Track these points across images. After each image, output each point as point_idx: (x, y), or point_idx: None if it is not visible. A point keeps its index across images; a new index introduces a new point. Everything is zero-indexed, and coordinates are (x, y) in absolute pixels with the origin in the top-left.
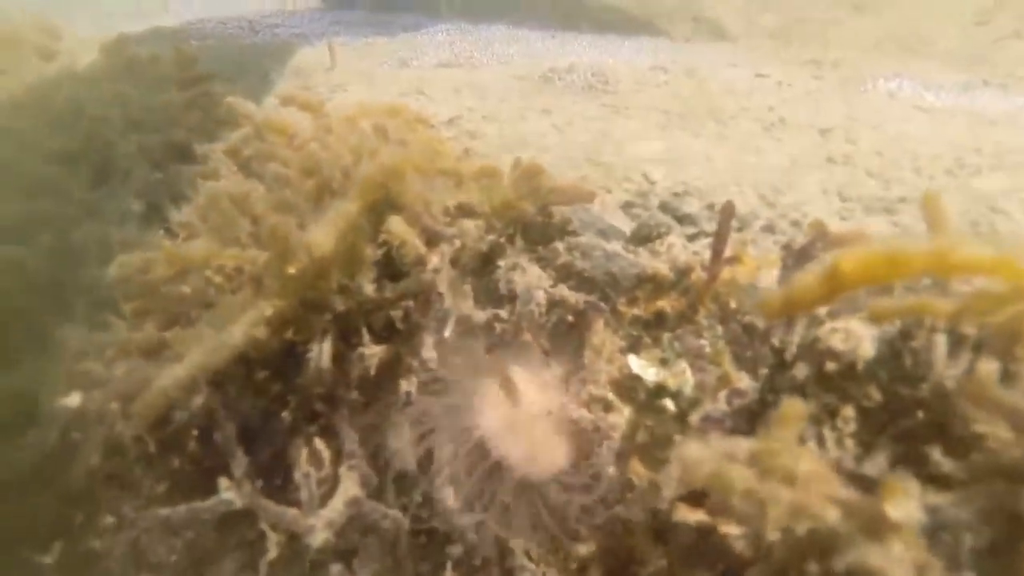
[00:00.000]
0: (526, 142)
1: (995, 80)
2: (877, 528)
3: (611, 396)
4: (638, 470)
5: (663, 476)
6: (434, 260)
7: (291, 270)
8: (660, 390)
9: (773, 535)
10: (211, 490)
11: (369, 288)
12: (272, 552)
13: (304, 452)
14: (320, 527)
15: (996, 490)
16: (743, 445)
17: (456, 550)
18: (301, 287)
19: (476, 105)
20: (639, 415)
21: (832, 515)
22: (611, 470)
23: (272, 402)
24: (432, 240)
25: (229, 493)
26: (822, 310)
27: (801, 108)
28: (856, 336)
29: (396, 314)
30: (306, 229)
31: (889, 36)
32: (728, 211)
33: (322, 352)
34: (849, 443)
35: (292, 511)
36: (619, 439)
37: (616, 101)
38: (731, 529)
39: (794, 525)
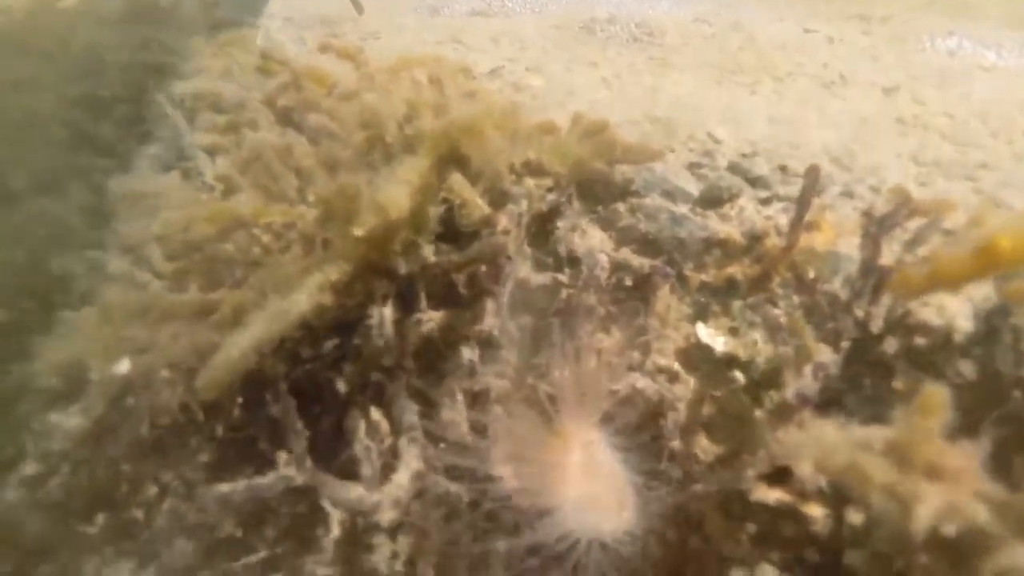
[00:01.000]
0: (576, 96)
1: None
2: None
3: (677, 366)
4: (703, 444)
5: (749, 456)
6: (503, 222)
7: (359, 231)
8: (730, 361)
9: (917, 535)
10: (256, 460)
11: (430, 250)
12: (335, 530)
13: (362, 423)
14: (387, 505)
15: None
16: (879, 433)
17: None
18: (368, 250)
19: (517, 55)
20: (706, 386)
21: (983, 514)
22: (676, 444)
23: (329, 370)
24: (497, 200)
25: (290, 468)
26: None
27: (859, 65)
28: (951, 310)
29: (459, 278)
30: (376, 187)
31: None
32: (813, 175)
33: (384, 319)
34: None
35: (356, 488)
36: (685, 411)
37: (664, 55)
38: (812, 510)
39: (943, 524)
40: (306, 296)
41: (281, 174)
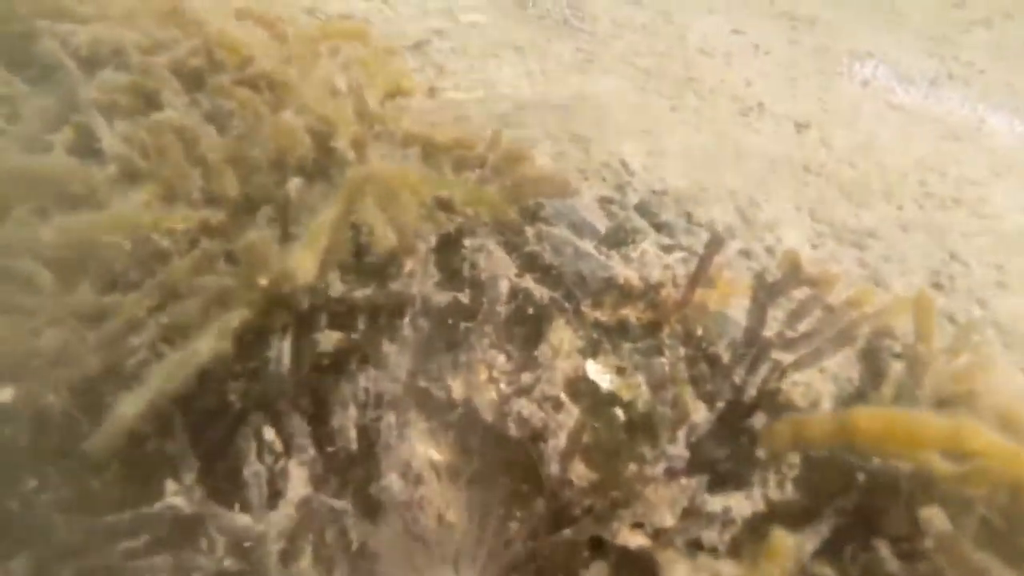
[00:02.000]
0: (499, 93)
1: (957, 71)
2: None
3: (563, 396)
4: (580, 471)
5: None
6: (409, 265)
7: (263, 282)
8: (613, 398)
9: None
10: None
11: (337, 284)
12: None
13: (253, 445)
14: (272, 535)
15: None
16: (730, 571)
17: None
18: (271, 296)
19: (445, 28)
20: (588, 418)
21: None
22: (554, 468)
23: (224, 395)
24: (405, 236)
25: (178, 498)
26: (785, 358)
27: (778, 89)
28: (816, 392)
29: (361, 313)
30: (285, 247)
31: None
32: (715, 245)
33: (282, 352)
34: (790, 488)
35: (242, 519)
36: (565, 439)
37: (593, 47)
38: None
39: None
40: (206, 346)
41: (185, 170)
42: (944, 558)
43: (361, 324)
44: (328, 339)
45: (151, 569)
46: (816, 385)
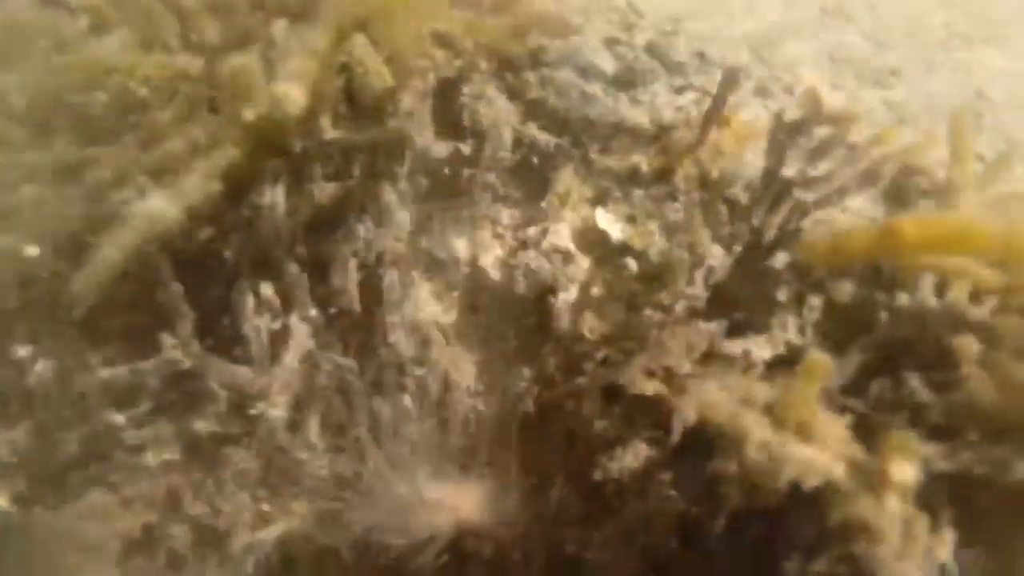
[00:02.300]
0: None
1: None
2: (879, 486)
3: (572, 248)
4: (592, 324)
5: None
6: (407, 101)
7: (250, 116)
8: (624, 248)
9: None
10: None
11: (328, 123)
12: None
13: (251, 300)
14: (275, 388)
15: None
16: (762, 391)
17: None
18: (260, 133)
19: None
20: (599, 270)
21: (840, 472)
22: (564, 323)
23: (217, 249)
24: (402, 73)
25: (175, 352)
26: (807, 197)
27: None
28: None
29: (357, 155)
30: (271, 68)
31: None
32: (731, 79)
33: (275, 200)
34: (810, 332)
35: (244, 371)
36: (576, 292)
37: None
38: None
39: (804, 479)
40: (192, 185)
41: (160, 16)
42: (981, 381)
43: (357, 171)
44: (324, 190)
45: (155, 435)
46: (839, 224)
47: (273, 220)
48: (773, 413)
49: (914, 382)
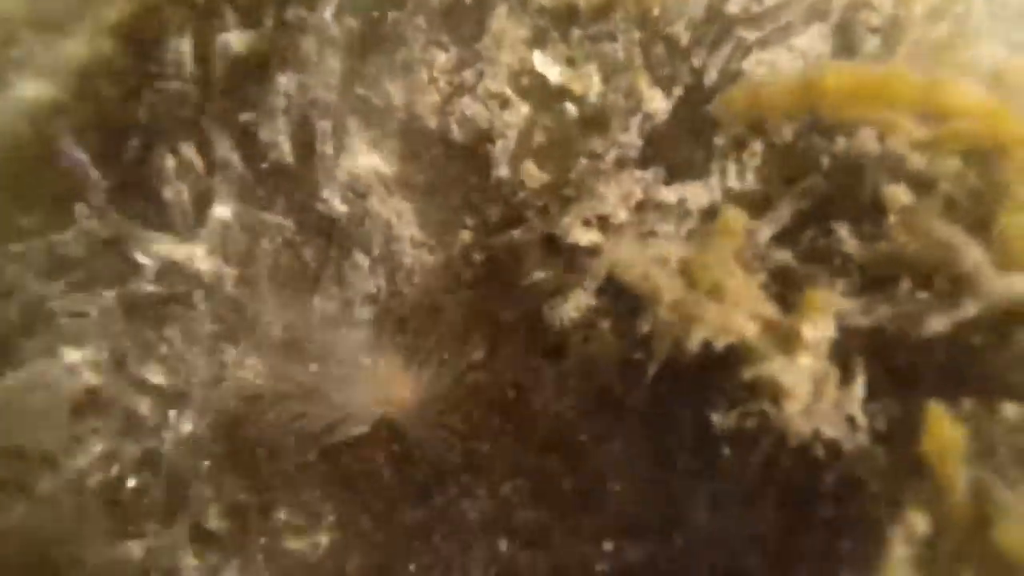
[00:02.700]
0: None
1: None
2: (790, 344)
3: (509, 92)
4: (532, 172)
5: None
6: None
7: None
8: (563, 92)
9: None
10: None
11: None
12: (150, 276)
13: (170, 163)
14: (201, 251)
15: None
16: (676, 251)
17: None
18: None
19: None
20: (537, 114)
21: (752, 331)
22: (503, 170)
23: (127, 112)
24: None
25: (91, 222)
26: (750, 36)
27: None
28: (783, 72)
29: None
30: None
31: None
32: None
33: (182, 54)
34: (751, 178)
35: (167, 239)
36: (514, 138)
37: None
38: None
39: (715, 339)
40: (79, 44)
41: None
42: (905, 232)
43: (270, 20)
44: (239, 40)
45: (95, 301)
46: (783, 64)
47: (181, 75)
48: (688, 272)
49: (843, 231)
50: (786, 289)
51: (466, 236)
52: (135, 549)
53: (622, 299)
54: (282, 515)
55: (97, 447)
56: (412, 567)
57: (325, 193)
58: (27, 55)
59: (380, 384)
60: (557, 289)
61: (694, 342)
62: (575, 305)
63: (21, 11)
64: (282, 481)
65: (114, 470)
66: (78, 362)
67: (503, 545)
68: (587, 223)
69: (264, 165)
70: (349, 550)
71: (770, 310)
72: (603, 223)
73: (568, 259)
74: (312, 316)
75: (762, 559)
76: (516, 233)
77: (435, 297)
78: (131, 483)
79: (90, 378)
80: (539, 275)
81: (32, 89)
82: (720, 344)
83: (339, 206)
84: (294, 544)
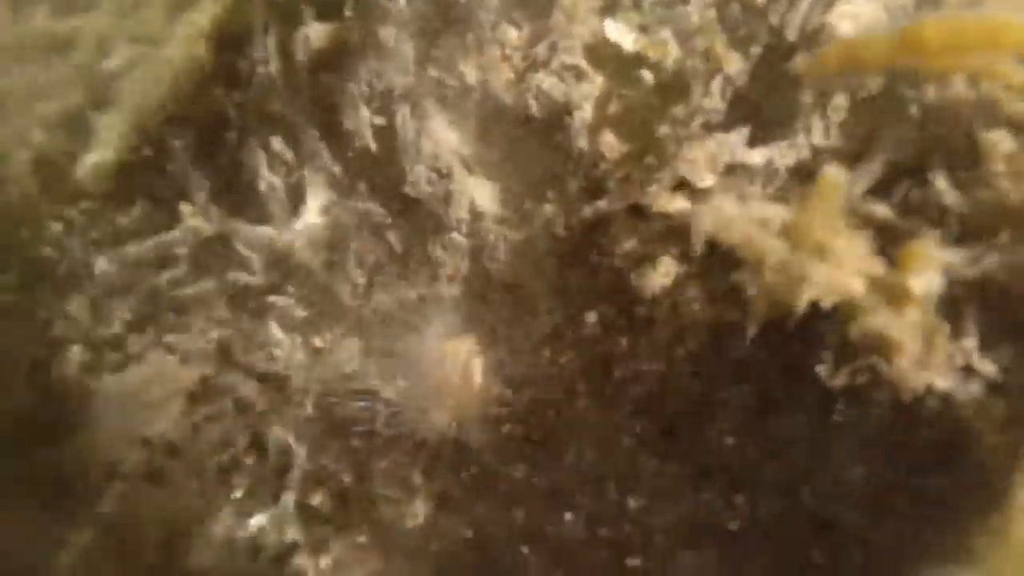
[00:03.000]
0: None
1: None
2: (897, 299)
3: (584, 64)
4: (610, 142)
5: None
6: None
7: None
8: (639, 59)
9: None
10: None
11: None
12: (253, 267)
13: (263, 157)
14: (300, 241)
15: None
16: (779, 212)
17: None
18: None
19: None
20: (613, 84)
21: (858, 289)
22: (582, 143)
23: (221, 112)
24: None
25: (196, 220)
26: None
27: None
28: (868, 25)
29: None
30: None
31: None
32: None
33: (269, 51)
34: (836, 134)
35: (267, 229)
36: (591, 110)
37: None
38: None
39: (824, 299)
40: (177, 52)
41: None
42: (1009, 179)
43: (347, 11)
44: (319, 33)
45: (200, 295)
46: (867, 16)
47: (269, 72)
48: (790, 233)
49: (940, 183)
50: (885, 243)
51: (548, 210)
52: (251, 524)
53: (711, 263)
54: (379, 490)
55: (214, 433)
56: (508, 534)
57: (409, 176)
58: (125, 65)
59: (469, 361)
60: (644, 257)
61: (801, 303)
62: (664, 271)
63: (113, 27)
64: (378, 458)
65: (228, 454)
66: (191, 352)
67: (611, 500)
68: (674, 190)
69: (350, 153)
70: (447, 522)
71: (877, 266)
72: (690, 189)
73: (656, 227)
74: (402, 297)
75: (879, 512)
76: (599, 204)
77: (520, 272)
78: (246, 463)
79: (202, 368)
80: (625, 245)
81: (133, 96)
82: (828, 303)
83: (423, 188)
84: (393, 517)
